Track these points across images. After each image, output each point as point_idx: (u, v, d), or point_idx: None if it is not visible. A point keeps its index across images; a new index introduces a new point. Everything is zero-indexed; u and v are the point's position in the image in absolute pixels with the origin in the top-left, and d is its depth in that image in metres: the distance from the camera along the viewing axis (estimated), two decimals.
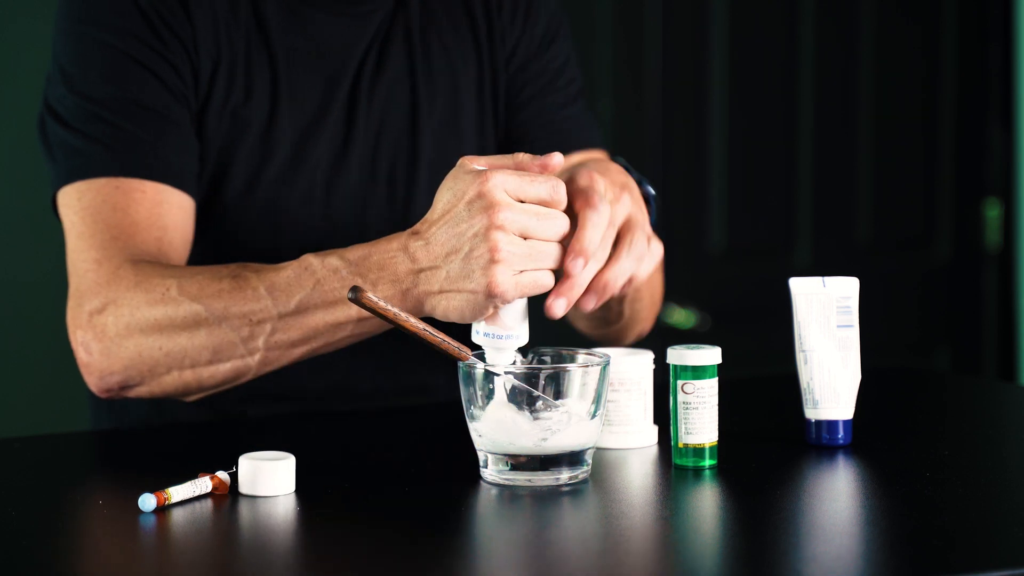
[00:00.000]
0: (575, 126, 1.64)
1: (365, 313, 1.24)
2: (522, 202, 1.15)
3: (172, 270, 1.35)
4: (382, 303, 1.13)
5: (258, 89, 1.50)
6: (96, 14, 1.46)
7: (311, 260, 1.26)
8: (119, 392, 1.37)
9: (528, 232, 1.15)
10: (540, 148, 1.61)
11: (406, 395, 1.58)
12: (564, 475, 1.16)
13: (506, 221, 1.14)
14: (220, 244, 1.51)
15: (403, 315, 1.14)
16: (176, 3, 1.47)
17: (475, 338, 1.19)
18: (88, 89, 1.44)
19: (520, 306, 1.19)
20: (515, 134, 1.62)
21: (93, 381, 1.37)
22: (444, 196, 1.18)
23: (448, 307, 1.18)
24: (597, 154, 1.64)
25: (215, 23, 1.48)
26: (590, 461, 1.18)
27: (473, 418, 1.17)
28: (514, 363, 1.19)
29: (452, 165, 1.16)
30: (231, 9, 1.50)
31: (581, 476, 1.17)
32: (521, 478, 1.16)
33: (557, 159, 1.18)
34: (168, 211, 1.42)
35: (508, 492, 1.15)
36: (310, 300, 1.26)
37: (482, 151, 1.60)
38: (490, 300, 1.15)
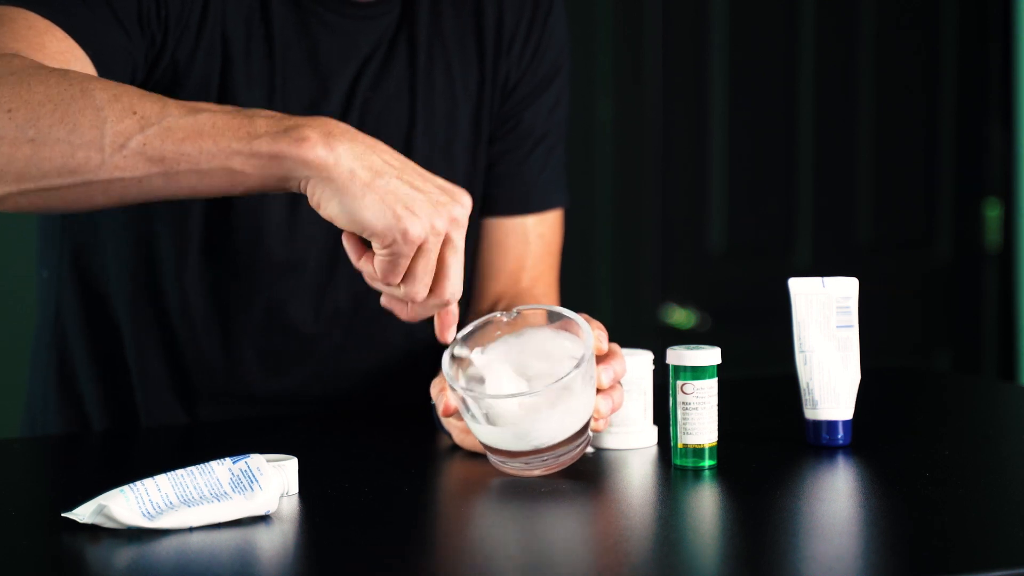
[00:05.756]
0: (535, 185, 1.59)
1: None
2: None
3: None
4: None
5: (257, 78, 1.42)
6: None
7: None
8: None
9: None
10: (494, 196, 1.58)
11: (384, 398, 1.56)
12: (565, 456, 1.16)
13: None
14: (198, 255, 1.44)
15: None
16: None
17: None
18: None
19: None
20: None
21: None
22: None
23: None
24: (549, 216, 1.61)
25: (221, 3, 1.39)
26: (589, 433, 1.18)
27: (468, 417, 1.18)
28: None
29: None
30: None
31: (580, 451, 1.17)
32: (537, 461, 1.16)
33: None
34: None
35: (508, 492, 1.15)
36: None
37: (472, 180, 1.55)
38: None
